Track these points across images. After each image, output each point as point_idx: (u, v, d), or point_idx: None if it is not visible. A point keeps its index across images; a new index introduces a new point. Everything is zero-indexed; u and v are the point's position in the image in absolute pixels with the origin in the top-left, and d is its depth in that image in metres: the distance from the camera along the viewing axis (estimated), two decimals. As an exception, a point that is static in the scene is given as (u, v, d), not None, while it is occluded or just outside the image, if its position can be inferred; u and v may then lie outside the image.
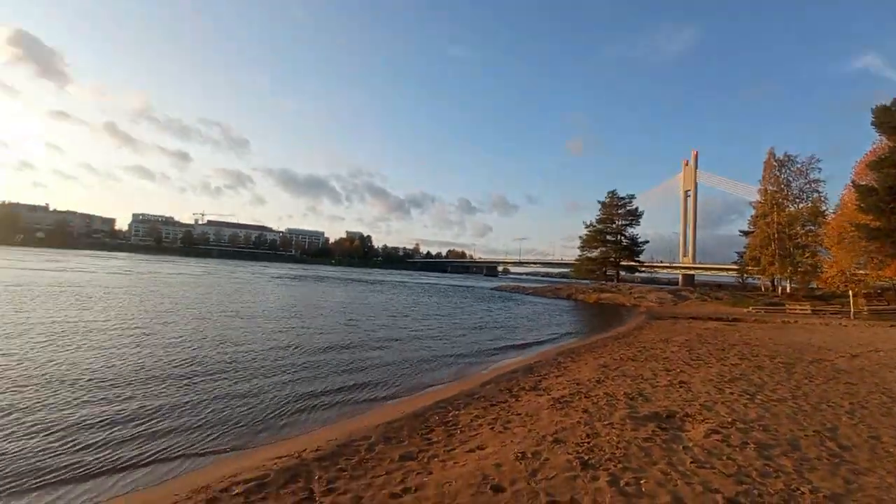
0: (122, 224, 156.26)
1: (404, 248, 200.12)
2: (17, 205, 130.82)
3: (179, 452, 5.17)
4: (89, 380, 7.50)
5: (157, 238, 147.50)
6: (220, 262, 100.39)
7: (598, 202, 62.46)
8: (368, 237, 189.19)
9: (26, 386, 6.96)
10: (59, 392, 6.75)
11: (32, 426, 5.53)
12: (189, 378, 7.97)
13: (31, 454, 4.80)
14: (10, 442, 5.08)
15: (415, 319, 19.86)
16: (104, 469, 4.65)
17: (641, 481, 4.12)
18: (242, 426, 6.06)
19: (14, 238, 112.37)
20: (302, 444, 5.26)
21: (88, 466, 4.66)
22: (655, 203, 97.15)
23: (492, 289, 58.23)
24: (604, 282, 56.95)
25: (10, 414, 5.84)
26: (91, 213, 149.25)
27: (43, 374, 7.63)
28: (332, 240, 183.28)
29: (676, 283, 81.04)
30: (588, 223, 62.24)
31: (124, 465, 4.76)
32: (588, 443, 5.09)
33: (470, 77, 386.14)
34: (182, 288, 28.11)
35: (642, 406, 6.63)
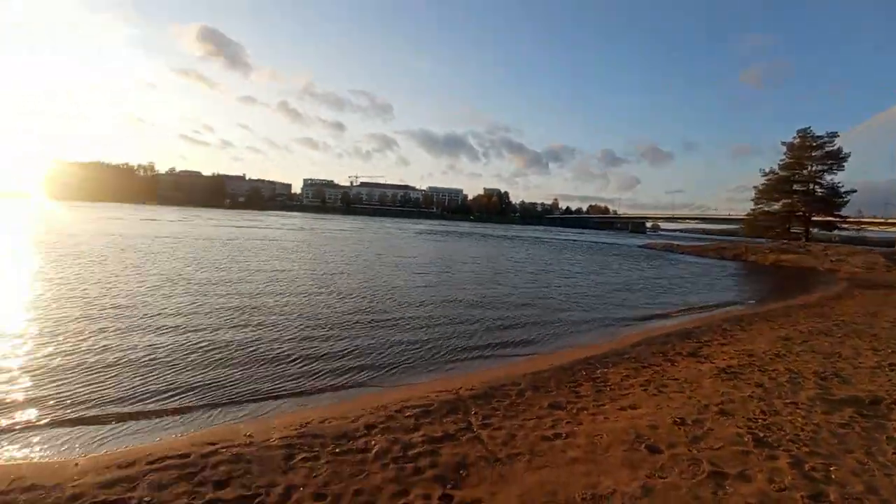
0: (296, 188, 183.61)
1: (542, 204, 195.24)
2: (224, 176, 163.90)
3: (364, 381, 6.23)
4: (306, 318, 9.41)
5: (322, 199, 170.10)
6: (372, 219, 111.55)
7: (783, 144, 51.45)
8: (506, 193, 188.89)
9: (260, 324, 9.03)
10: (282, 329, 8.60)
11: (260, 355, 7.22)
12: (368, 323, 9.32)
13: (256, 378, 6.32)
14: (241, 367, 6.74)
15: (558, 276, 19.63)
16: (310, 390, 5.85)
17: (831, 468, 3.61)
18: (412, 365, 6.97)
19: (223, 203, 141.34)
20: (459, 384, 5.84)
21: (299, 388, 5.91)
22: (865, 143, 76.01)
23: (639, 246, 53.65)
24: (786, 241, 47.63)
25: (252, 343, 7.71)
26: (274, 180, 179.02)
27: (269, 313, 9.77)
28: (470, 197, 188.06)
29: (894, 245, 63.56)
30: (767, 170, 52.06)
31: (323, 388, 5.93)
32: (763, 419, 4.59)
33: (609, 7, 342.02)
34: (346, 242, 32.39)
35: (838, 388, 5.64)
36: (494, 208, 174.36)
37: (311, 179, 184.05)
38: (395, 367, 6.81)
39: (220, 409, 5.11)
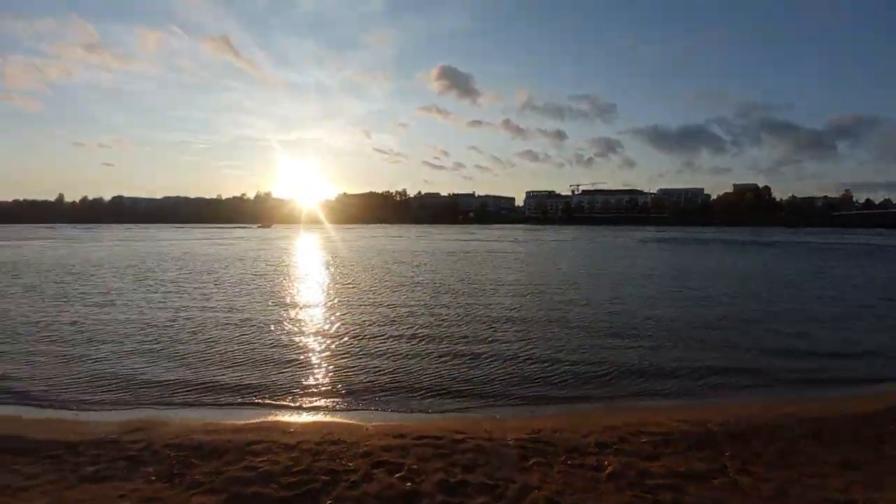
0: (519, 201, 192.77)
1: (825, 198, 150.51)
2: (457, 195, 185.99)
3: (593, 395, 6.19)
4: (536, 326, 10.02)
5: (543, 210, 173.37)
6: (593, 228, 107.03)
7: None
8: (766, 188, 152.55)
9: (496, 331, 10.06)
10: (516, 338, 9.39)
11: (497, 360, 7.98)
12: (593, 335, 9.25)
13: (492, 380, 7.02)
14: (480, 369, 7.56)
15: (851, 294, 14.75)
16: (540, 398, 6.18)
17: None
18: (645, 385, 6.54)
19: (457, 218, 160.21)
20: (705, 415, 5.13)
21: (529, 394, 6.34)
22: None
23: None
24: None
25: (492, 348, 8.64)
26: (499, 194, 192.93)
27: (503, 321, 10.73)
28: (713, 196, 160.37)
29: None
30: None
31: (553, 398, 6.19)
32: None
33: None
34: (564, 253, 32.32)
35: None
36: (748, 208, 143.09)
37: (532, 191, 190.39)
38: (625, 385, 6.49)
39: (461, 403, 5.91)
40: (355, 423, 5.25)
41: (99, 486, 3.66)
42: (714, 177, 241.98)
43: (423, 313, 11.14)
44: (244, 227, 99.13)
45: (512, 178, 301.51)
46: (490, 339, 8.87)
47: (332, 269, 21.44)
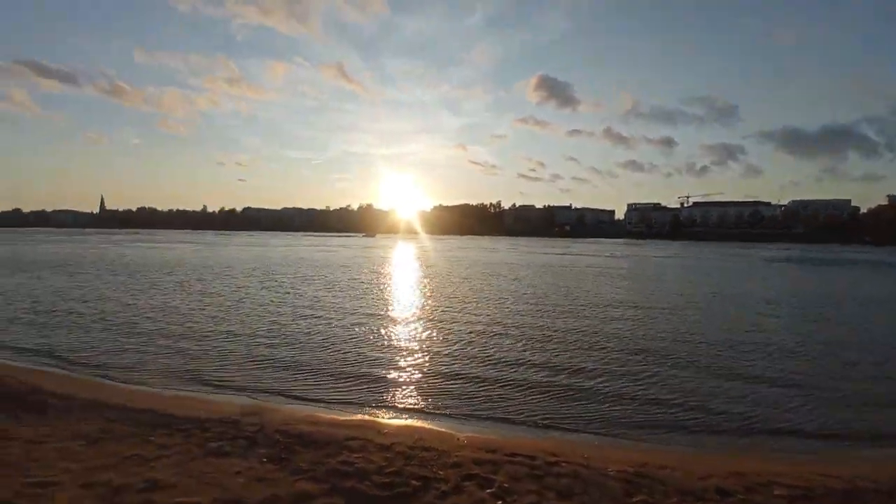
0: (620, 214, 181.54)
1: None
2: (553, 207, 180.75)
3: (712, 438, 5.52)
4: (647, 353, 9.40)
5: (647, 224, 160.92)
6: (705, 244, 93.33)
7: None
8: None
9: (605, 353, 9.53)
10: (621, 363, 8.89)
11: (602, 386, 7.49)
12: (715, 367, 8.39)
13: (595, 409, 6.57)
14: (583, 397, 7.14)
15: None
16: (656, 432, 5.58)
17: None
18: (775, 428, 5.67)
19: (553, 231, 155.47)
20: (852, 469, 4.26)
21: (632, 424, 5.81)
22: None
23: None
24: None
25: (595, 373, 8.18)
26: (598, 207, 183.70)
27: (612, 346, 10.16)
28: (863, 209, 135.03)
29: None
30: None
31: (657, 431, 5.61)
32: None
33: None
34: (677, 271, 29.53)
35: None
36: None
37: (635, 203, 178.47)
38: (752, 426, 5.64)
39: (556, 424, 5.62)
40: (447, 431, 5.25)
41: (220, 462, 4.07)
42: (864, 185, 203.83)
43: (523, 331, 10.78)
44: (349, 236, 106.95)
45: (613, 190, 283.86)
46: (592, 363, 8.26)
47: (432, 280, 22.08)
